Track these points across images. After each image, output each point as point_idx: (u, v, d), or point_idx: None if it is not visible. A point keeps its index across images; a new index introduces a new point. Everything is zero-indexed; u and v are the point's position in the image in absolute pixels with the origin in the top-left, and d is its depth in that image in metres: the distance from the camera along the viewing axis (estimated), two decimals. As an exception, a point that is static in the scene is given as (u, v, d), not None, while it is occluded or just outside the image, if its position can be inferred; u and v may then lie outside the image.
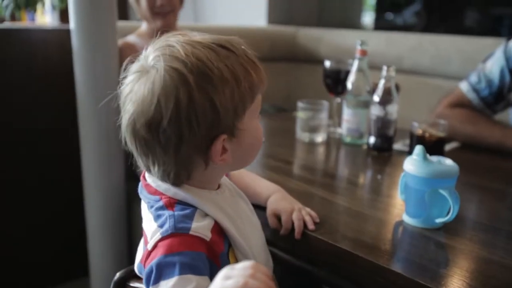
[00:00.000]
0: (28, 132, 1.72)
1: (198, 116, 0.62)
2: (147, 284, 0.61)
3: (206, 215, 0.68)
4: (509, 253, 0.78)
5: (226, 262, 0.68)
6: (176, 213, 0.65)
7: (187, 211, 0.66)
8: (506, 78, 1.36)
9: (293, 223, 0.85)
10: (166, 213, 0.66)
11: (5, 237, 1.73)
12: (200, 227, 0.64)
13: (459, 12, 2.55)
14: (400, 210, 0.93)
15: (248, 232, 0.75)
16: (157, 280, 0.60)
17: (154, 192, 0.70)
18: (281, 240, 0.86)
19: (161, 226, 0.64)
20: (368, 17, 2.93)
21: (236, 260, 0.70)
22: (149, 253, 0.63)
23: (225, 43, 0.66)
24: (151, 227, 0.66)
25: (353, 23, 2.77)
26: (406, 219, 0.88)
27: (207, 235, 0.65)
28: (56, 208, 1.82)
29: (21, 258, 1.77)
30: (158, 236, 0.63)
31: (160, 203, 0.68)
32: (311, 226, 0.84)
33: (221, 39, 0.67)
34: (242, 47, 0.67)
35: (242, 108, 0.66)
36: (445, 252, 0.80)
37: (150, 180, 0.72)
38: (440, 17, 2.66)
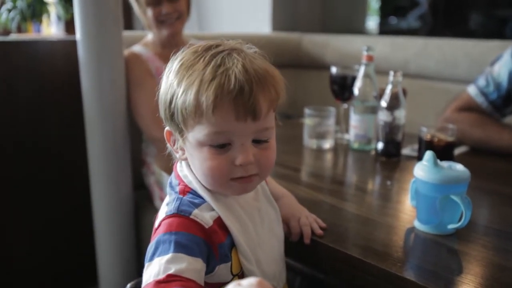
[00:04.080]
0: (35, 143, 1.72)
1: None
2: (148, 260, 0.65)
3: (213, 209, 0.71)
4: (523, 259, 0.77)
5: (227, 255, 0.70)
6: (184, 197, 0.71)
7: (197, 200, 0.71)
8: (515, 81, 1.35)
9: (301, 230, 0.85)
10: (176, 196, 0.71)
11: (14, 246, 1.73)
12: (201, 214, 0.68)
13: (464, 15, 2.54)
14: (411, 216, 0.92)
15: (262, 239, 0.76)
16: (153, 255, 0.64)
17: (177, 176, 0.76)
18: (292, 249, 0.85)
19: (167, 206, 0.70)
20: (372, 22, 2.92)
21: (238, 259, 0.72)
22: (154, 231, 0.68)
23: (219, 54, 0.66)
24: (163, 208, 0.71)
25: (358, 28, 2.77)
26: (418, 225, 0.87)
27: (207, 222, 0.68)
28: (64, 218, 1.82)
29: (29, 268, 1.77)
30: (163, 215, 0.69)
31: (177, 188, 0.73)
32: (318, 231, 0.85)
33: (222, 49, 0.68)
34: (233, 72, 0.64)
35: (182, 117, 0.67)
36: (458, 258, 0.79)
37: (179, 167, 0.77)
38: (445, 20, 2.66)
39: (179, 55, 0.70)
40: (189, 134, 0.68)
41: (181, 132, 0.70)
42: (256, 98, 0.64)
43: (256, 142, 0.69)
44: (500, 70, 1.38)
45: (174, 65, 0.69)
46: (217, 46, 0.68)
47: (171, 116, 0.69)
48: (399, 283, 0.72)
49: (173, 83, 0.68)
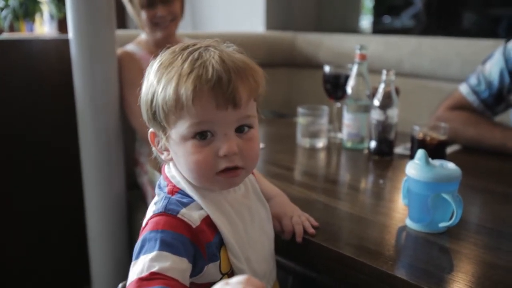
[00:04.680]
0: (28, 142, 1.72)
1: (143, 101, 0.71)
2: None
3: (202, 208, 0.71)
4: (514, 257, 0.77)
5: (215, 254, 0.70)
6: (172, 197, 0.71)
7: (185, 200, 0.71)
8: (506, 79, 1.36)
9: (293, 228, 0.85)
10: (165, 195, 0.72)
11: (7, 247, 1.72)
12: (189, 214, 0.68)
13: (457, 14, 2.55)
14: (403, 215, 0.92)
15: (252, 237, 0.75)
16: (139, 253, 0.64)
17: (166, 178, 0.75)
18: (284, 248, 0.86)
19: (155, 205, 0.70)
20: (366, 21, 2.93)
21: (227, 258, 0.71)
22: (142, 229, 0.68)
23: (197, 53, 0.67)
24: (151, 207, 0.71)
25: (352, 27, 2.77)
26: (409, 224, 0.88)
27: (194, 222, 0.68)
28: (57, 218, 1.81)
29: (21, 268, 1.76)
30: (150, 213, 0.69)
31: (166, 189, 0.73)
32: (310, 230, 0.85)
33: (199, 47, 0.69)
34: (211, 65, 0.65)
35: (163, 113, 0.67)
36: (450, 257, 0.79)
37: (167, 169, 0.76)
38: (439, 19, 2.66)
39: (158, 57, 0.71)
40: (172, 131, 0.69)
41: (164, 131, 0.70)
42: (235, 86, 0.65)
43: (239, 131, 0.69)
44: (491, 69, 1.38)
45: (153, 66, 0.70)
46: (194, 44, 0.70)
47: (153, 115, 0.69)
48: (391, 282, 0.72)
49: (153, 82, 0.68)
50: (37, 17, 2.25)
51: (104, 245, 1.68)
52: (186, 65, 0.65)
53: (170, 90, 0.65)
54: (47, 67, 1.72)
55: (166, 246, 0.63)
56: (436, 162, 0.85)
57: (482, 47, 1.68)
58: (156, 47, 1.70)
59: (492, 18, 2.49)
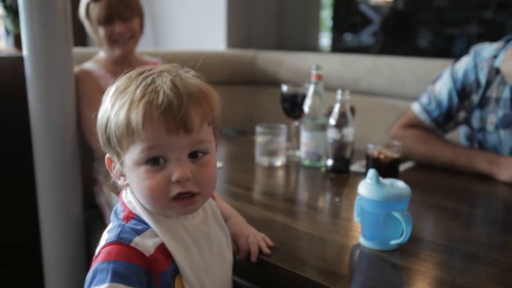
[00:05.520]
0: (-20, 163, 1.66)
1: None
2: None
3: (157, 235, 0.69)
4: (463, 273, 0.79)
5: (169, 283, 0.69)
6: (127, 224, 0.69)
7: (139, 227, 0.69)
8: (454, 99, 1.41)
9: (249, 248, 0.85)
10: (118, 223, 0.70)
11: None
12: (143, 242, 0.67)
13: (414, 33, 2.65)
14: (358, 233, 0.94)
15: (210, 265, 0.74)
16: (90, 284, 0.62)
17: (123, 203, 0.74)
18: (241, 267, 0.85)
19: (108, 233, 0.69)
20: (326, 39, 3.00)
21: (182, 287, 0.70)
22: (94, 259, 0.66)
23: (150, 78, 0.67)
24: (104, 235, 0.69)
25: (312, 46, 2.83)
26: (363, 241, 0.89)
27: (148, 251, 0.66)
28: (12, 241, 1.74)
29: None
30: (103, 242, 0.67)
31: (121, 215, 0.72)
32: (265, 250, 0.85)
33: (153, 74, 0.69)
34: (165, 86, 0.65)
35: (116, 139, 0.67)
36: (401, 273, 0.81)
37: (124, 193, 0.75)
38: (395, 38, 2.76)
39: (115, 82, 0.71)
40: (125, 156, 0.68)
41: (118, 156, 0.70)
42: (186, 111, 0.65)
43: (194, 157, 0.69)
44: (440, 89, 1.44)
45: (110, 91, 0.70)
46: (150, 69, 0.70)
47: (108, 140, 0.69)
48: (344, 301, 0.74)
49: (107, 107, 0.68)
50: (-9, 32, 2.19)
51: (60, 267, 1.62)
52: (138, 90, 0.65)
53: (122, 115, 0.65)
54: (0, 85, 1.67)
55: (118, 277, 0.62)
56: (387, 181, 0.87)
57: (436, 67, 1.75)
58: (115, 65, 1.69)
59: (445, 38, 2.61)
